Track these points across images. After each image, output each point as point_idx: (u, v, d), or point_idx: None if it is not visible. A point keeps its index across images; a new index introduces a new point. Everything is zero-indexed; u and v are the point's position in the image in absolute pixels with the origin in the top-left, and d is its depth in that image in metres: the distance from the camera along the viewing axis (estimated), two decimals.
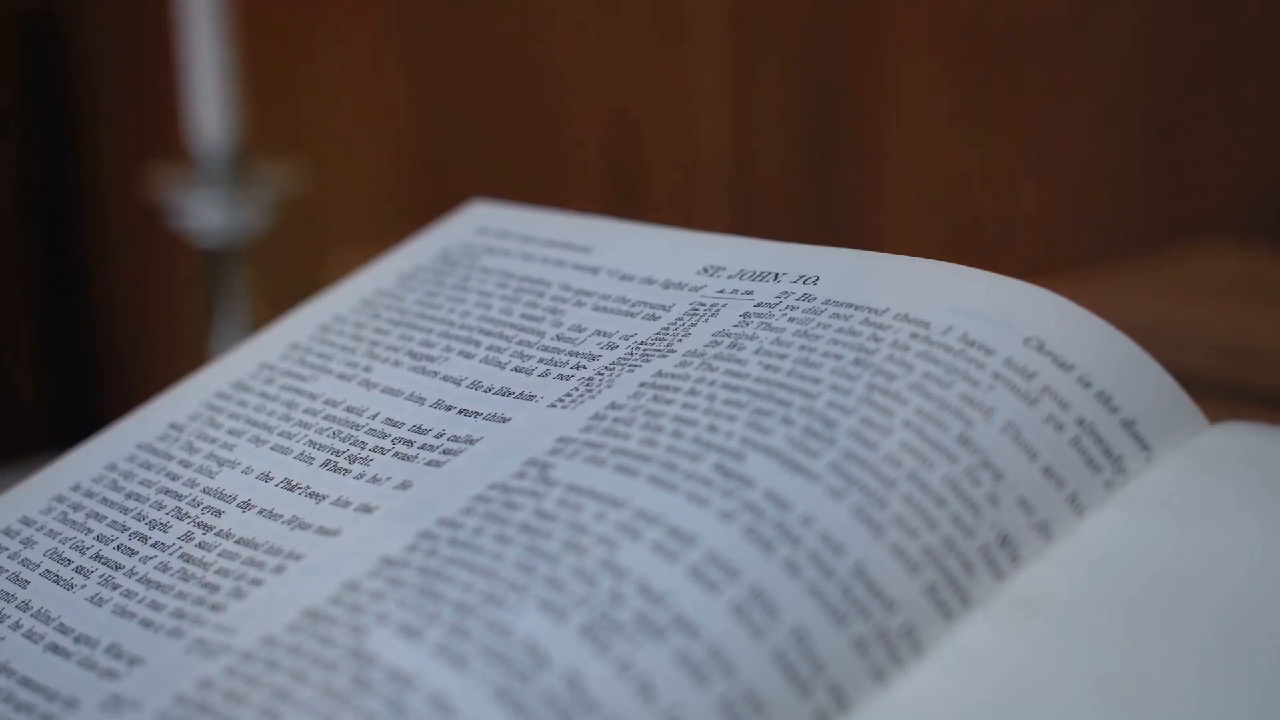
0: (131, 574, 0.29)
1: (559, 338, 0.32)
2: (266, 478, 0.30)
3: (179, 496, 0.31)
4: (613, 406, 0.28)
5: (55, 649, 0.27)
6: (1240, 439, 0.27)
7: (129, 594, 0.28)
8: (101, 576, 0.29)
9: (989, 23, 0.74)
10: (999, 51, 0.74)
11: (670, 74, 0.85)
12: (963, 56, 0.75)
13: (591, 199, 0.89)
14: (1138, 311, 0.51)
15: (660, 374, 0.29)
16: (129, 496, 0.31)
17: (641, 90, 0.87)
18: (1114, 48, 0.71)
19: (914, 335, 0.28)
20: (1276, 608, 0.24)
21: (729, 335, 0.29)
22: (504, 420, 0.29)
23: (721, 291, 0.31)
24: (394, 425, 0.31)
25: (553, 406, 0.29)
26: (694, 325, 0.30)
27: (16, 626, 0.28)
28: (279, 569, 0.27)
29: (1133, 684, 0.23)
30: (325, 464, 0.30)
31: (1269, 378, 0.47)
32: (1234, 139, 0.68)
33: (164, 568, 0.29)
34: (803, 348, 0.28)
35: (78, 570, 0.29)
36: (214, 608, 0.27)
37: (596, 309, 0.32)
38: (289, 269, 0.92)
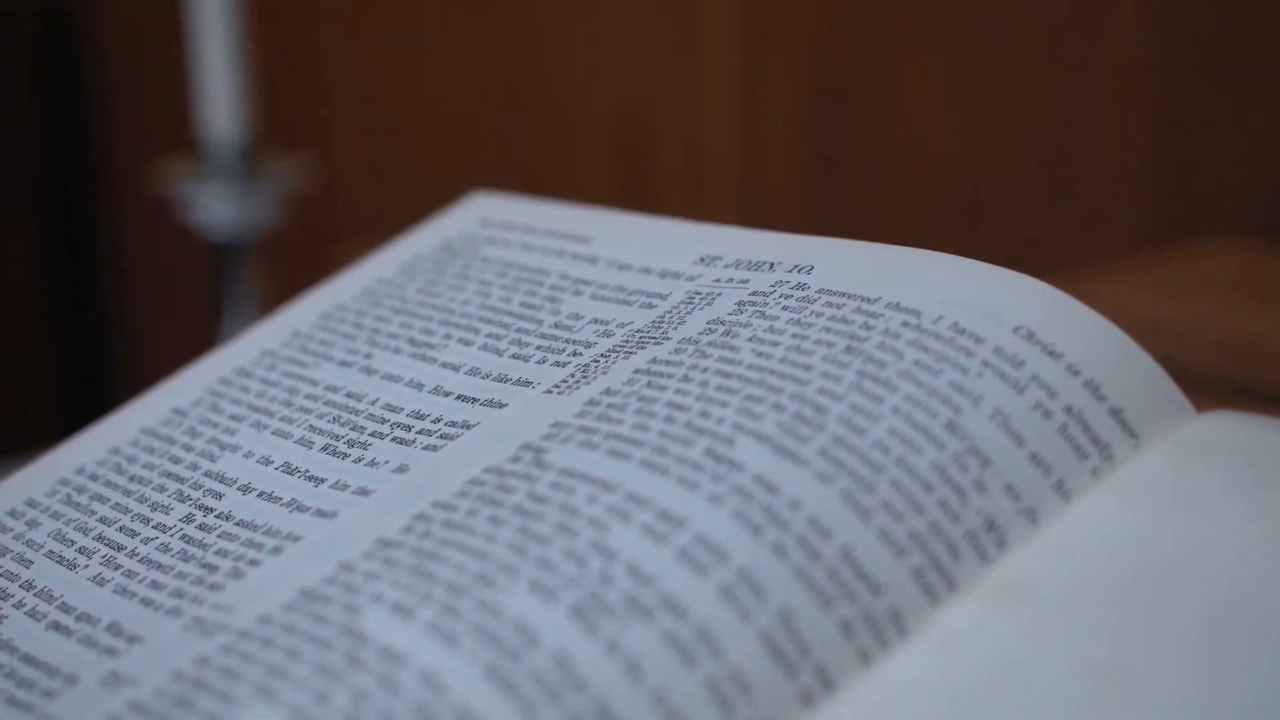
0: (133, 555, 0.29)
1: (557, 325, 0.32)
2: (267, 461, 0.31)
3: (181, 479, 0.31)
4: (607, 392, 0.28)
5: (57, 627, 0.28)
6: (1227, 428, 0.28)
7: (130, 574, 0.29)
8: (103, 557, 0.29)
9: (994, 21, 0.74)
10: (1004, 50, 0.74)
11: (679, 71, 0.86)
12: (968, 54, 0.76)
13: (600, 195, 0.89)
14: (1139, 308, 0.52)
15: (655, 360, 0.29)
16: (132, 479, 0.31)
17: (650, 88, 0.88)
18: (1117, 46, 0.71)
19: (905, 324, 0.28)
20: (1262, 595, 0.24)
21: (723, 323, 0.30)
22: (501, 406, 0.30)
23: (717, 280, 0.32)
24: (393, 411, 0.31)
25: (549, 392, 0.30)
26: (689, 313, 0.31)
27: (20, 605, 0.29)
28: (277, 550, 0.28)
29: (1118, 670, 0.23)
30: (325, 448, 0.30)
31: (1270, 375, 0.47)
32: (1235, 137, 0.68)
33: (165, 549, 0.29)
34: (795, 335, 0.28)
35: (80, 551, 0.30)
36: (212, 587, 0.27)
37: (594, 298, 0.33)
38: (298, 263, 0.93)
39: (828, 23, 0.80)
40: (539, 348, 0.31)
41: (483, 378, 0.31)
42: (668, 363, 0.29)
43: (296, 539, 0.28)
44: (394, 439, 0.30)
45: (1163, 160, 0.71)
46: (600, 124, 0.90)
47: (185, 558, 0.28)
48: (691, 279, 0.32)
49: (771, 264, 0.31)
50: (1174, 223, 0.70)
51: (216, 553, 0.28)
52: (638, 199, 0.87)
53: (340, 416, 0.31)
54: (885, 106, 0.79)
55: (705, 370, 0.28)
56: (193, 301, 1.05)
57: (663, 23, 0.86)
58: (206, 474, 0.31)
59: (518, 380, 0.31)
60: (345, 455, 0.30)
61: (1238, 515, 0.26)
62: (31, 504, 0.32)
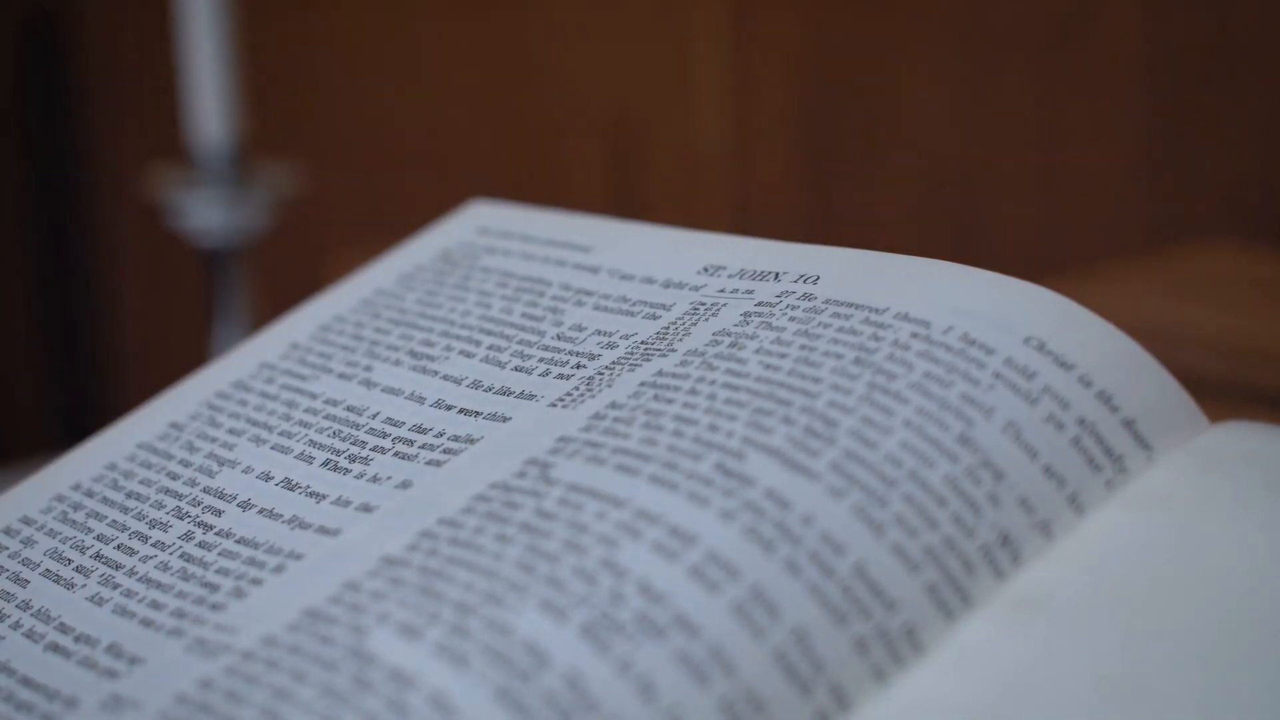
0: (132, 573, 0.29)
1: (559, 337, 0.32)
2: (267, 477, 0.30)
3: (179, 496, 0.31)
4: (613, 406, 0.28)
5: (55, 648, 0.27)
6: (1241, 439, 0.27)
7: (129, 593, 0.28)
8: (101, 576, 0.29)
9: (989, 22, 0.74)
10: (999, 51, 0.74)
11: (671, 74, 0.85)
12: (963, 56, 0.75)
13: (592, 199, 0.89)
14: (1138, 311, 0.51)
15: (661, 373, 0.29)
16: (129, 496, 0.31)
17: (642, 90, 0.87)
18: (1114, 47, 0.71)
19: (914, 335, 0.28)
20: (1276, 607, 0.24)
21: (729, 334, 0.29)
22: (504, 420, 0.29)
23: (722, 291, 0.31)
24: (394, 425, 0.31)
25: (553, 406, 0.29)
26: (694, 324, 0.30)
27: (17, 626, 0.28)
28: (279, 568, 0.27)
29: (1133, 684, 0.23)
30: (325, 463, 0.30)
31: (1269, 378, 0.47)
32: (1234, 139, 0.68)
33: (164, 567, 0.29)
34: (803, 347, 0.28)
35: (78, 570, 0.29)
36: (214, 607, 0.27)
37: (597, 308, 0.32)
38: (289, 269, 0.92)
39: (820, 27, 0.79)
40: (542, 360, 0.31)
41: (485, 391, 0.31)
42: (674, 375, 0.28)
43: (299, 557, 0.27)
44: (396, 454, 0.30)
45: (1159, 161, 0.71)
46: (592, 130, 0.89)
47: (185, 576, 0.28)
48: (695, 289, 0.32)
49: (776, 274, 0.31)
50: (1171, 224, 0.70)
51: (217, 571, 0.28)
52: (630, 205, 0.87)
53: (341, 431, 0.31)
54: (878, 110, 0.79)
55: (713, 383, 0.28)
56: (184, 308, 1.04)
57: (655, 29, 0.86)
58: (205, 490, 0.30)
59: (521, 393, 0.30)
60: (347, 470, 0.30)
61: (1252, 527, 0.26)
62: (27, 521, 0.31)
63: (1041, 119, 0.74)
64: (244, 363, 0.35)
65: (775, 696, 0.23)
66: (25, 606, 0.29)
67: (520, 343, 0.32)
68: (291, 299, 0.41)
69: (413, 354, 0.33)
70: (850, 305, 0.29)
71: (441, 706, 0.23)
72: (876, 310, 0.28)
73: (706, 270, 0.32)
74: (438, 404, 0.31)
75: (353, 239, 0.95)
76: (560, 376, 0.30)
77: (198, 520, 0.30)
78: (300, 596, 0.26)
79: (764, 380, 0.27)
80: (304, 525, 0.28)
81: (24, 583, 0.29)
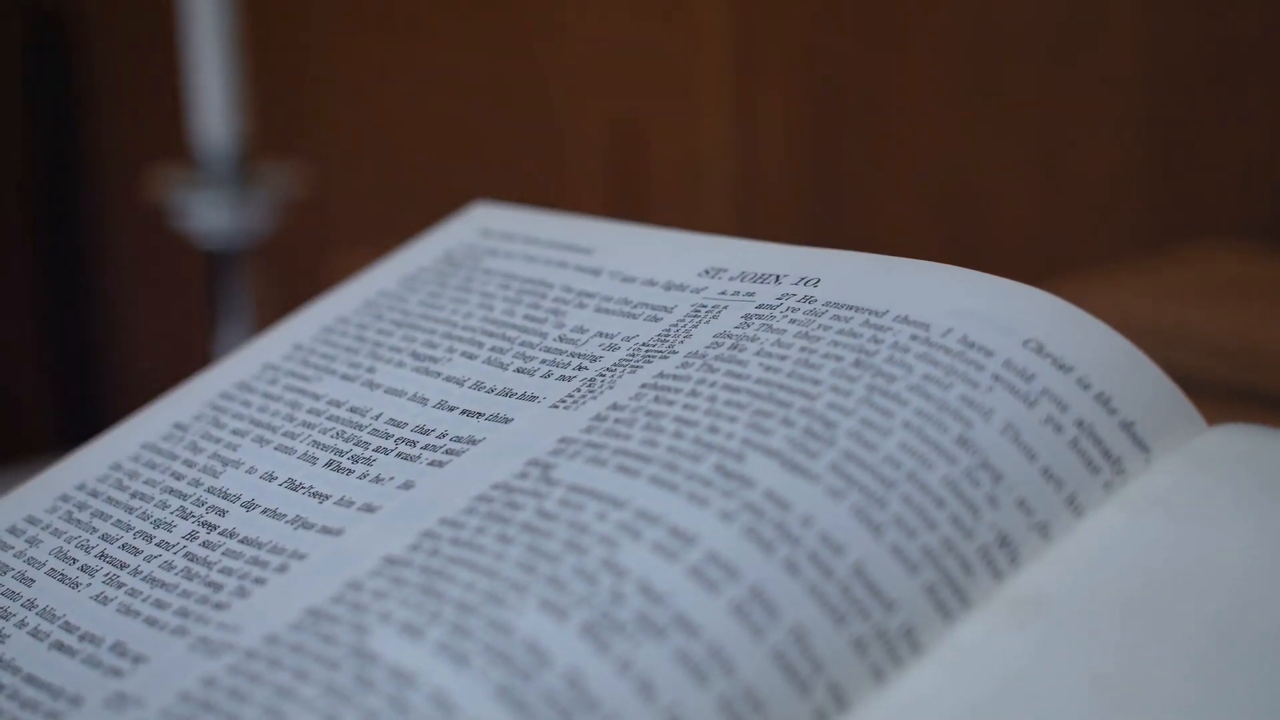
0: (136, 573, 0.29)
1: (561, 339, 0.32)
2: (270, 477, 0.30)
3: (183, 496, 0.31)
4: (614, 407, 0.28)
5: (60, 647, 0.28)
6: (1238, 441, 0.27)
7: (133, 592, 0.28)
8: (106, 575, 0.29)
9: (989, 26, 0.74)
10: (1001, 53, 0.74)
11: (674, 79, 0.86)
12: (964, 59, 0.75)
13: (595, 203, 0.89)
14: (1137, 313, 0.52)
15: (661, 375, 0.29)
16: (134, 496, 0.31)
17: (645, 95, 0.88)
18: (1115, 50, 0.71)
19: (914, 337, 0.28)
20: (1273, 608, 0.24)
21: (730, 337, 0.29)
22: (506, 421, 0.30)
23: (723, 293, 0.31)
24: (397, 426, 0.31)
25: (555, 407, 0.29)
26: (695, 327, 0.30)
27: (22, 624, 0.28)
28: (282, 568, 0.27)
29: (1130, 684, 0.23)
30: (328, 464, 0.30)
31: (1268, 379, 0.47)
32: (1234, 140, 0.68)
33: (168, 567, 0.29)
34: (803, 349, 0.28)
35: (83, 569, 0.29)
36: (218, 606, 0.27)
37: (599, 310, 0.32)
38: (293, 270, 0.92)
39: (822, 30, 0.80)
40: (544, 361, 0.31)
41: (487, 392, 0.31)
42: (675, 377, 0.29)
43: (302, 557, 0.28)
44: (399, 454, 0.30)
45: (1158, 163, 0.71)
46: (595, 132, 0.90)
47: (189, 576, 0.28)
48: (696, 291, 0.32)
49: (777, 276, 0.31)
50: (1170, 226, 0.70)
51: (221, 571, 0.28)
52: (632, 208, 0.87)
53: (344, 432, 0.31)
54: (880, 113, 0.79)
55: (713, 385, 0.28)
56: (187, 310, 1.04)
57: (658, 30, 0.86)
58: (209, 490, 0.31)
59: (523, 395, 0.30)
60: (350, 471, 0.30)
61: (1249, 529, 0.26)
62: (32, 521, 0.31)
63: (1041, 122, 0.74)
64: (247, 364, 0.35)
65: (774, 696, 0.23)
66: (30, 605, 0.29)
67: (522, 344, 0.32)
68: (295, 300, 0.41)
69: (415, 355, 0.33)
70: (850, 308, 0.29)
71: (442, 705, 0.23)
72: (876, 313, 0.29)
73: (707, 273, 0.32)
74: (440, 405, 0.31)
75: (356, 241, 0.96)
76: (562, 378, 0.30)
77: (201, 520, 0.30)
78: (303, 596, 0.26)
79: (764, 382, 0.28)
80: (307, 525, 0.28)
81: (29, 582, 0.30)
